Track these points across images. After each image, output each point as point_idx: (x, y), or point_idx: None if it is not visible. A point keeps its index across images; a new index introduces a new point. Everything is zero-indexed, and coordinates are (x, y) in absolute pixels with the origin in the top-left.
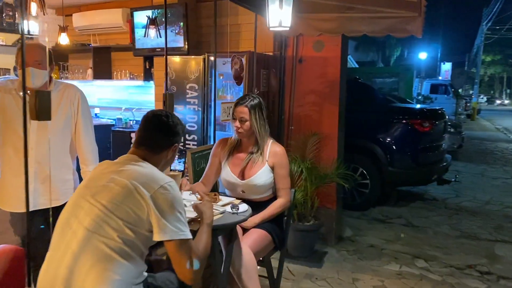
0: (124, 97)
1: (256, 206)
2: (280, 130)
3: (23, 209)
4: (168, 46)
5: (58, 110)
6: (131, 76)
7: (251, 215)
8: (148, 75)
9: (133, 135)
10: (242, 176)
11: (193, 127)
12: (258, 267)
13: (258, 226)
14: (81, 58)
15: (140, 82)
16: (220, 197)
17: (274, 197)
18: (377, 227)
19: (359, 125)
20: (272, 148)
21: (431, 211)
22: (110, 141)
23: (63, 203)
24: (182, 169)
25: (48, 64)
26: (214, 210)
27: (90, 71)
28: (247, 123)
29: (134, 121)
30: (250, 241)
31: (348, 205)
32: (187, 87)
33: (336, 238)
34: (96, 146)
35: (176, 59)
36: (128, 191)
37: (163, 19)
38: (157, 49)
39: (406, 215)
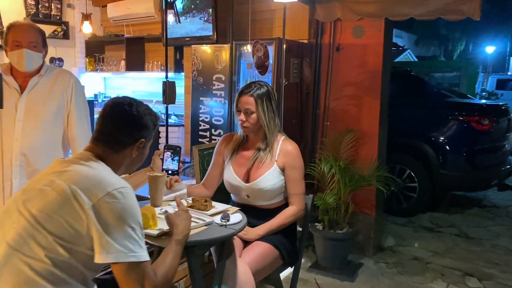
0: (157, 89)
1: (264, 214)
2: (314, 126)
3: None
4: (196, 34)
5: (49, 97)
6: (162, 68)
7: (243, 227)
8: (178, 66)
9: (161, 129)
10: (247, 178)
11: (220, 121)
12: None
13: (263, 238)
14: (117, 50)
15: (171, 74)
16: (215, 204)
17: (285, 205)
18: (424, 236)
19: (408, 122)
20: (283, 146)
21: (490, 220)
22: None
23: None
24: (176, 168)
25: (42, 47)
26: (197, 221)
27: (123, 63)
28: (254, 115)
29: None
30: (251, 257)
31: (393, 210)
32: (214, 78)
33: (375, 247)
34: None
35: (202, 48)
36: (64, 199)
37: (192, 6)
38: (186, 38)
39: (459, 224)
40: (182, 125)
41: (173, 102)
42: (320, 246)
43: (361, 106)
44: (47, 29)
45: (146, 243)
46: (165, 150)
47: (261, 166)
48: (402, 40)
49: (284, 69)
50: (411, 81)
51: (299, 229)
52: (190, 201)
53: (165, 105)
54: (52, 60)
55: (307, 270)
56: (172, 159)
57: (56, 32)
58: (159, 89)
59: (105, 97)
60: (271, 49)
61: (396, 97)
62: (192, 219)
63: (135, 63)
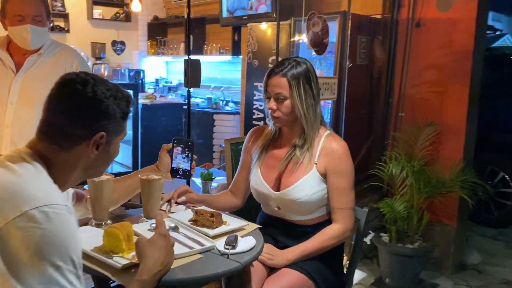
0: (216, 74)
1: (299, 232)
2: (385, 117)
3: None
4: (254, 12)
5: (48, 80)
6: (222, 51)
7: (254, 258)
8: (236, 49)
9: (216, 117)
10: (277, 184)
11: None
12: None
13: (295, 265)
14: (179, 33)
15: (228, 57)
16: (229, 219)
17: (329, 220)
18: None
19: (505, 115)
20: (327, 144)
21: None
22: (182, 122)
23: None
24: (188, 168)
25: (47, 19)
26: (192, 245)
27: (182, 46)
28: (287, 102)
29: (224, 102)
30: None
31: (481, 219)
32: (270, 60)
33: (455, 265)
34: None
35: (259, 27)
36: None
37: None
38: (243, 17)
39: None
40: (238, 113)
41: (197, 85)
42: (386, 260)
43: (445, 94)
44: (109, 11)
45: (106, 279)
46: (174, 144)
47: (296, 169)
48: (501, 24)
49: (349, 49)
50: (511, 67)
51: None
52: (196, 214)
53: (187, 88)
54: (114, 43)
55: (368, 287)
56: (184, 156)
57: (118, 14)
58: (219, 73)
59: (166, 82)
60: (333, 26)
61: (490, 85)
62: (185, 241)
63: (195, 46)
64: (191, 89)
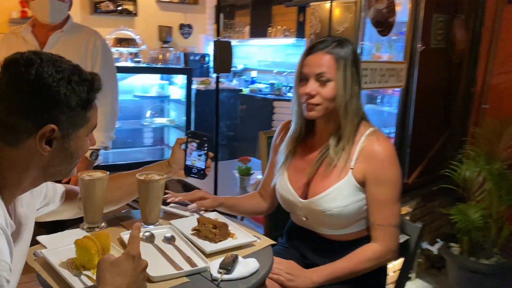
0: (281, 58)
1: (330, 248)
2: (465, 109)
3: None
4: None
5: (70, 59)
6: (287, 33)
7: (259, 282)
8: (301, 31)
9: (276, 104)
10: (305, 191)
11: None
12: None
13: None
14: (246, 15)
15: (292, 40)
16: (238, 231)
17: (368, 237)
18: None
19: None
20: (368, 144)
21: None
22: (238, 109)
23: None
24: (203, 166)
25: None
26: (179, 267)
27: (247, 29)
28: (331, 85)
29: (288, 88)
30: None
31: None
32: None
33: None
34: (115, 111)
35: (323, 6)
36: None
37: None
38: None
39: None
40: None
41: (227, 70)
42: (455, 275)
43: None
44: None
45: None
46: (189, 138)
47: (329, 173)
48: None
49: (422, 29)
50: None
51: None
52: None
53: (216, 74)
54: (181, 26)
55: None
56: (199, 152)
57: None
58: (283, 58)
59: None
60: (405, 2)
61: None
62: (176, 258)
63: (260, 29)
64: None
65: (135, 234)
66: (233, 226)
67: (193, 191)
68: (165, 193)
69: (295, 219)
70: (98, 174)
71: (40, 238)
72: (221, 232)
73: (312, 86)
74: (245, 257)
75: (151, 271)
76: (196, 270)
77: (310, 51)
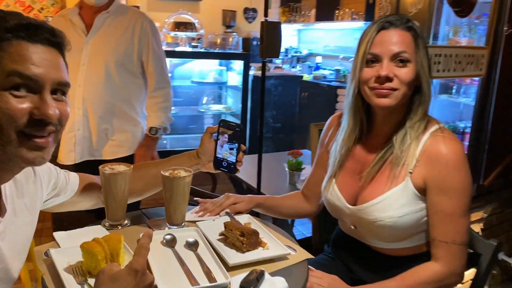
0: (348, 43)
1: (381, 263)
2: None
3: (67, 161)
4: None
5: (116, 40)
6: (355, 16)
7: None
8: (370, 14)
9: (340, 91)
10: (354, 195)
11: None
12: None
13: None
14: None
15: (360, 23)
16: (269, 239)
17: (426, 254)
18: None
19: None
20: (432, 144)
21: None
22: (297, 97)
23: (115, 157)
24: (234, 160)
25: None
26: (196, 282)
27: (313, 12)
28: (411, 66)
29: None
30: None
31: None
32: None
33: None
34: (171, 93)
35: None
36: None
37: None
38: None
39: None
40: None
41: (276, 55)
42: None
43: None
44: None
45: None
46: (220, 128)
47: (388, 177)
48: None
49: (509, 10)
50: None
51: None
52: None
53: (262, 59)
54: (246, 10)
55: None
56: (231, 144)
57: None
58: (350, 42)
59: (295, 52)
60: None
61: None
62: (194, 269)
63: (327, 11)
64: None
65: (143, 244)
66: (265, 234)
67: (224, 196)
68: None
69: (342, 226)
70: (121, 167)
71: (56, 234)
72: (249, 241)
73: (387, 68)
74: (273, 273)
75: (163, 284)
76: (214, 287)
77: (382, 26)
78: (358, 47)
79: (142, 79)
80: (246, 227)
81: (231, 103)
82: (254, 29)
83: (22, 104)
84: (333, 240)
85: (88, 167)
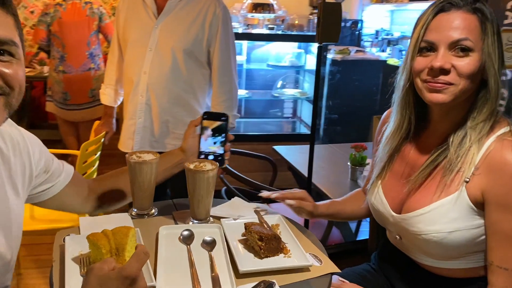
0: None
1: (428, 283)
2: None
3: (125, 149)
4: None
5: (187, 27)
6: None
7: None
8: None
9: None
10: (401, 202)
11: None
12: None
13: None
14: None
15: None
16: (292, 245)
17: (483, 279)
18: None
19: None
20: (496, 150)
21: None
22: (379, 83)
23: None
24: (221, 152)
25: None
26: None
27: None
28: (474, 57)
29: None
30: None
31: None
32: (509, 6)
33: None
34: (236, 87)
35: None
36: None
37: None
38: None
39: None
40: None
41: (334, 39)
42: None
43: None
44: None
45: None
46: (204, 120)
47: (438, 185)
48: None
49: None
50: None
51: None
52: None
53: (319, 44)
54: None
55: None
56: (216, 137)
57: None
58: None
59: (386, 34)
60: None
61: None
62: (202, 273)
63: None
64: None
65: (144, 249)
66: (291, 239)
67: (293, 190)
68: (259, 191)
69: (389, 235)
70: (149, 156)
71: (81, 219)
72: (268, 246)
73: (445, 57)
74: (288, 286)
75: (165, 284)
76: None
77: (441, 8)
78: (412, 32)
79: (209, 69)
80: (266, 231)
81: (307, 88)
82: (344, 9)
83: None
84: (379, 251)
85: None
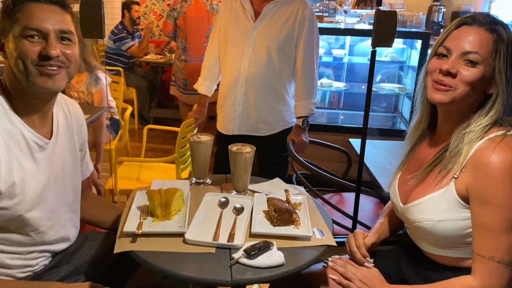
0: None
1: (427, 268)
2: None
3: (226, 132)
4: None
5: (279, 28)
6: None
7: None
8: None
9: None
10: (408, 194)
11: None
12: None
13: None
14: None
15: None
16: (302, 220)
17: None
18: None
19: None
20: (483, 151)
21: None
22: None
23: (268, 134)
24: None
25: None
26: (213, 239)
27: None
28: (478, 68)
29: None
30: None
31: None
32: None
33: None
34: (316, 78)
35: None
36: None
37: None
38: None
39: None
40: None
41: (388, 44)
42: None
43: None
44: None
45: None
46: None
47: (434, 180)
48: None
49: None
50: None
51: None
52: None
53: (372, 48)
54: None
55: None
56: None
57: None
58: None
59: None
60: None
61: None
62: (223, 227)
63: None
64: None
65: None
66: (304, 215)
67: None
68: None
69: (405, 226)
70: (205, 137)
71: (154, 181)
72: (280, 217)
73: (453, 63)
74: (286, 249)
75: (190, 234)
76: (227, 245)
77: (464, 21)
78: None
79: (294, 62)
80: (282, 205)
81: (408, 84)
82: (465, 2)
83: (34, 46)
84: (399, 238)
85: (244, 140)
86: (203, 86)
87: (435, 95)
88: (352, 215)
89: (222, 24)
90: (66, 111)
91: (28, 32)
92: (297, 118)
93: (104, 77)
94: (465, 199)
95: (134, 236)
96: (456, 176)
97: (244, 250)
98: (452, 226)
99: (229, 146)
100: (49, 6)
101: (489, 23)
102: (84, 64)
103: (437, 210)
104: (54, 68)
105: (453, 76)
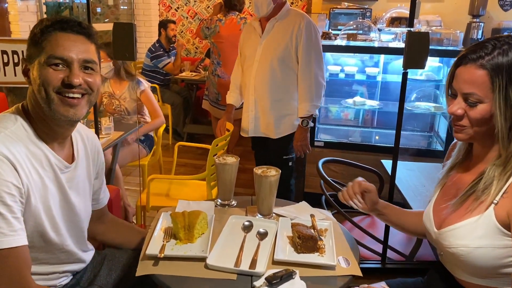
0: None
1: None
2: None
3: (244, 134)
4: None
5: (279, 41)
6: None
7: None
8: None
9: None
10: (442, 219)
11: None
12: None
13: None
14: None
15: None
16: (327, 247)
17: None
18: None
19: None
20: None
21: None
22: None
23: (279, 136)
24: None
25: None
26: (235, 264)
27: None
28: (482, 107)
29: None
30: None
31: None
32: None
33: None
34: (319, 82)
35: None
36: None
37: None
38: None
39: None
40: None
41: (420, 66)
42: None
43: None
44: None
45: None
46: None
47: (471, 205)
48: None
49: None
50: None
51: None
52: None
53: (403, 69)
54: None
55: None
56: None
57: None
58: None
59: None
60: None
61: None
62: (246, 252)
63: None
64: None
65: None
66: (329, 242)
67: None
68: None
69: (438, 253)
70: (230, 159)
71: (180, 201)
72: (304, 244)
73: (458, 106)
74: (310, 278)
75: (212, 259)
76: (249, 273)
77: (461, 60)
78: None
79: (297, 70)
80: (306, 231)
81: (445, 103)
82: (507, 18)
83: (58, 74)
84: (430, 268)
85: (260, 141)
86: (232, 97)
87: (455, 134)
88: (382, 239)
89: (241, 42)
90: (84, 138)
91: (53, 61)
92: (299, 118)
93: (145, 81)
94: (506, 226)
95: (156, 259)
96: (496, 201)
97: (266, 278)
98: (490, 254)
99: (254, 169)
100: (75, 36)
101: (479, 58)
102: (125, 73)
103: (474, 236)
104: (77, 95)
105: (460, 117)
